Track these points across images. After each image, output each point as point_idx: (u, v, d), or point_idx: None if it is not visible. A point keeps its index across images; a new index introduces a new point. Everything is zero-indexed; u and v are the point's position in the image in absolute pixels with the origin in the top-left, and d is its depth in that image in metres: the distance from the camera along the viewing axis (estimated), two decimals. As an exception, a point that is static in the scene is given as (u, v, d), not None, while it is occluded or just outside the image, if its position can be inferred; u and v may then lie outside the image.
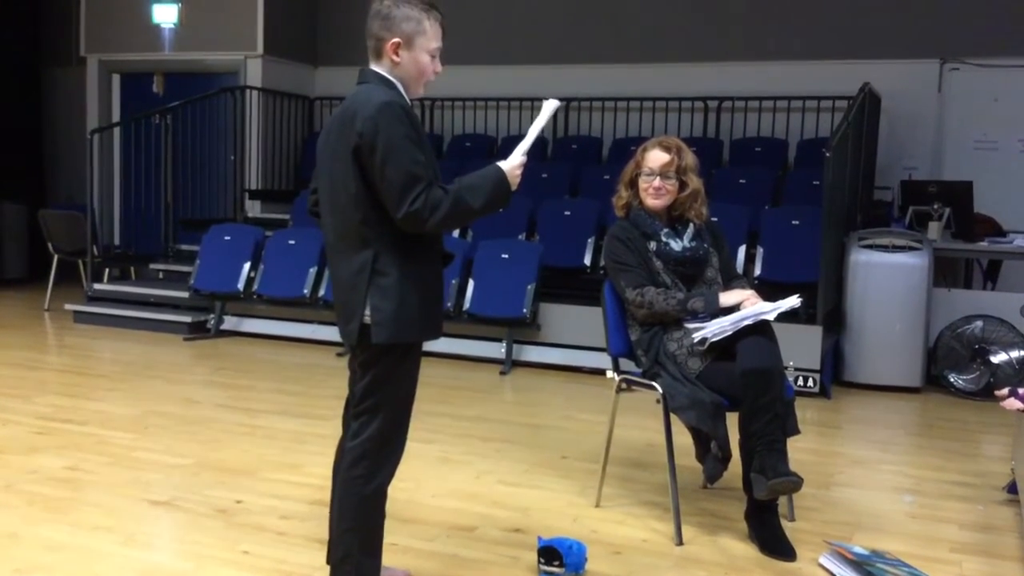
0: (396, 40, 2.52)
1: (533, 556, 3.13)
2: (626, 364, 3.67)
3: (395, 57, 2.53)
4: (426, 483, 3.95)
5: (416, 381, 2.65)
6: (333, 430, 2.90)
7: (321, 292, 7.25)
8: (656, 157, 3.55)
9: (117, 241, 9.88)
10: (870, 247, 6.28)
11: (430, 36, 2.55)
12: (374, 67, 2.57)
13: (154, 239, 8.94)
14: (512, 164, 2.55)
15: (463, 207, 2.46)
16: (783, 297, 3.38)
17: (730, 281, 3.62)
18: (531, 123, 2.65)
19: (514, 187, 2.56)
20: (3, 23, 10.49)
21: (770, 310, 3.30)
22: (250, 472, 4.07)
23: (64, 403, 5.23)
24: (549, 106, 2.65)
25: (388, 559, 2.77)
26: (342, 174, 2.50)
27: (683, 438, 3.55)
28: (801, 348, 5.83)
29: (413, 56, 2.54)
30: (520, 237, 7.38)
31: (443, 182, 2.50)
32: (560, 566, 3.02)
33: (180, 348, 7.10)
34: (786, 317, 3.41)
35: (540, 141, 9.00)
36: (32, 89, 11.10)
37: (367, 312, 2.50)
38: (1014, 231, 6.87)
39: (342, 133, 2.50)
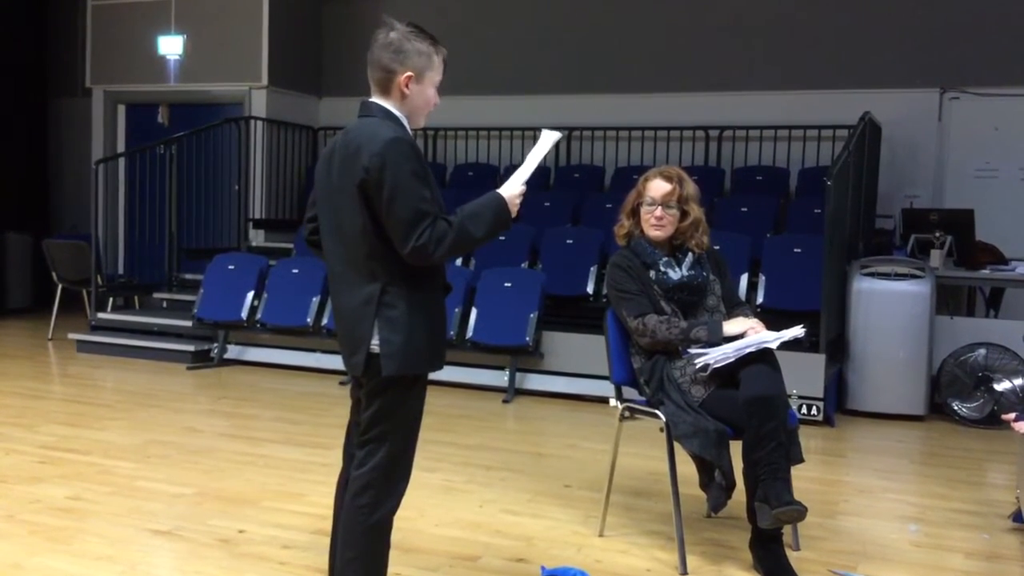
0: (410, 74, 2.54)
1: (536, 586, 3.12)
2: (629, 392, 3.67)
3: (406, 90, 2.55)
4: (429, 512, 3.94)
5: (422, 411, 2.65)
6: (336, 459, 2.89)
7: (324, 321, 7.26)
8: (657, 187, 3.57)
9: (121, 270, 9.92)
10: (872, 275, 6.29)
11: (436, 70, 2.59)
12: (378, 100, 2.59)
13: (158, 268, 8.97)
14: (512, 192, 2.57)
15: (466, 237, 2.48)
16: (786, 325, 3.39)
17: (733, 309, 3.63)
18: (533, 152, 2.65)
19: (513, 214, 2.58)
20: (10, 54, 10.59)
21: (773, 339, 3.30)
22: (252, 501, 4.06)
23: (67, 432, 5.23)
24: (549, 136, 2.66)
25: (391, 589, 2.77)
26: (347, 208, 2.51)
27: (687, 467, 3.54)
28: (804, 376, 5.83)
29: (422, 89, 2.57)
30: (523, 265, 7.39)
31: (444, 211, 2.51)
32: (564, 596, 3.01)
33: (183, 377, 7.10)
34: (789, 345, 3.41)
35: (542, 170, 9.05)
36: (38, 119, 11.19)
37: (375, 343, 2.51)
38: (1016, 259, 6.87)
39: (345, 167, 2.50)
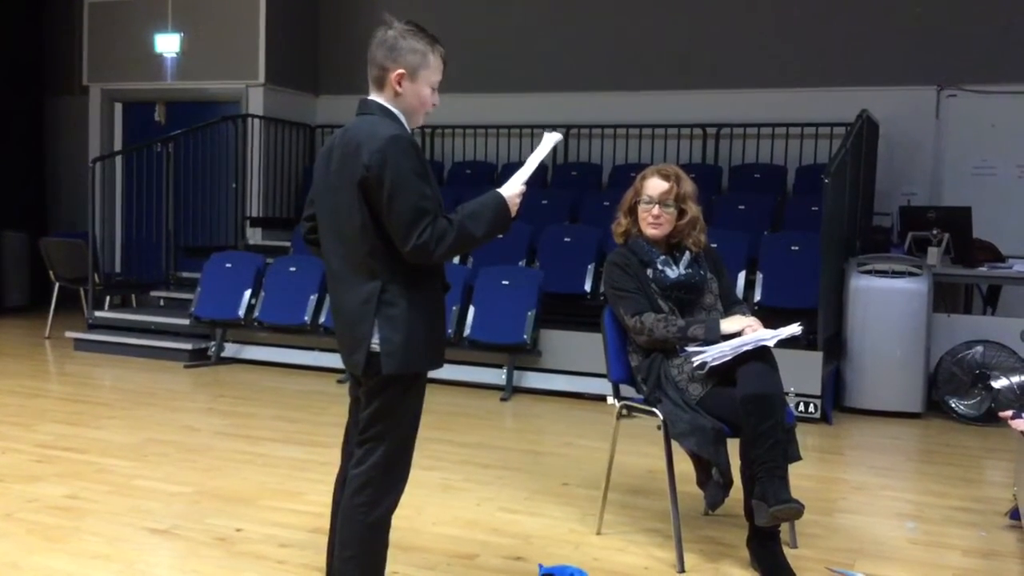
0: (401, 71, 2.54)
1: (534, 584, 3.12)
2: (627, 390, 3.67)
3: (398, 88, 2.55)
4: (427, 510, 3.94)
5: (421, 410, 2.65)
6: (334, 457, 2.89)
7: (322, 319, 7.25)
8: (655, 185, 3.57)
9: (118, 269, 9.90)
10: (870, 273, 6.30)
11: (433, 69, 2.58)
12: (375, 97, 2.58)
13: (155, 267, 8.96)
14: (512, 192, 2.57)
15: (467, 236, 2.48)
16: (783, 323, 3.39)
17: (730, 307, 3.63)
18: (530, 149, 2.66)
19: (513, 214, 2.58)
20: (7, 52, 10.57)
21: (770, 337, 3.30)
22: (250, 500, 4.06)
23: (64, 431, 5.22)
24: (550, 139, 2.67)
25: (389, 587, 2.76)
26: (346, 206, 2.50)
27: (684, 464, 3.55)
28: (802, 374, 5.83)
29: (415, 88, 2.56)
30: (520, 263, 7.40)
31: (443, 210, 2.51)
32: (561, 594, 3.02)
33: (181, 376, 7.09)
34: (786, 343, 3.41)
35: (540, 168, 9.03)
36: (35, 118, 11.16)
37: (375, 341, 2.50)
38: (1013, 256, 6.88)
39: (345, 165, 2.50)
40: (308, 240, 2.79)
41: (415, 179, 2.43)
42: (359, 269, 2.53)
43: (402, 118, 2.57)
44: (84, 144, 10.37)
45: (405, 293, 2.51)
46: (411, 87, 2.55)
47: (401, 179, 2.41)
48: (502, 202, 2.55)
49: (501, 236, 2.65)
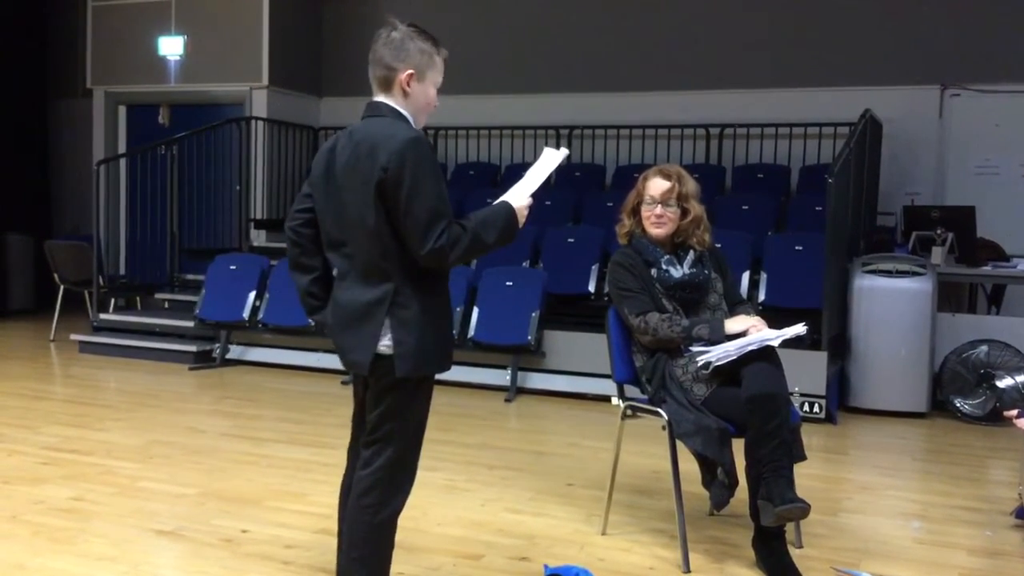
0: (411, 71, 2.55)
1: (539, 584, 3.12)
2: (631, 391, 3.67)
3: (407, 88, 2.56)
4: (432, 511, 3.94)
5: (428, 411, 2.66)
6: (338, 459, 2.90)
7: (326, 321, 7.24)
8: (657, 185, 3.57)
9: (123, 271, 9.92)
10: (874, 272, 6.29)
11: (437, 70, 2.61)
12: (383, 99, 2.59)
13: (159, 269, 8.98)
14: (521, 203, 2.60)
15: (479, 242, 2.50)
16: (788, 323, 3.39)
17: (734, 307, 3.63)
18: (534, 150, 2.67)
19: (521, 224, 2.61)
20: (10, 55, 10.59)
21: (775, 336, 3.30)
22: (255, 501, 4.07)
23: (69, 433, 5.23)
24: (554, 156, 2.67)
25: (394, 588, 2.77)
26: (358, 208, 2.50)
27: (689, 465, 3.54)
28: (806, 374, 5.83)
29: (423, 88, 2.58)
30: (524, 264, 7.40)
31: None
32: (567, 594, 3.02)
33: (185, 377, 7.10)
34: (791, 343, 3.41)
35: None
36: (39, 120, 11.19)
37: (385, 343, 2.51)
38: (1017, 255, 6.87)
39: (359, 166, 2.49)
40: (295, 231, 2.72)
41: (433, 181, 2.44)
42: (371, 271, 2.53)
43: (410, 119, 2.58)
44: (88, 147, 10.40)
45: (417, 296, 2.52)
46: (419, 87, 2.57)
47: (420, 180, 2.42)
48: (512, 212, 2.57)
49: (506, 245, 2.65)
